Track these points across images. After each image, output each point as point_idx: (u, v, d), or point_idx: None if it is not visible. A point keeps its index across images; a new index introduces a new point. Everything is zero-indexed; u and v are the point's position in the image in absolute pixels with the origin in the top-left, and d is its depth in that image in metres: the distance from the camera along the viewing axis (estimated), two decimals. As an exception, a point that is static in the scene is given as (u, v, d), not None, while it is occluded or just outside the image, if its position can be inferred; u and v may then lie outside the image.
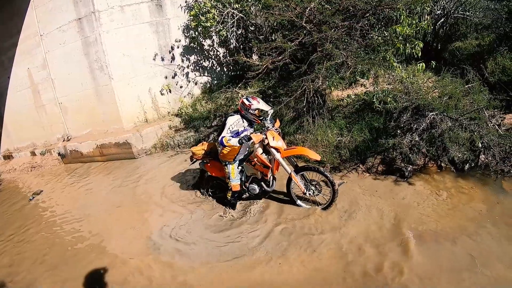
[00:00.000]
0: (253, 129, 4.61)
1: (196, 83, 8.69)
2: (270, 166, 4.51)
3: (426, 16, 6.53)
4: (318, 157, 4.28)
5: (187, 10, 7.83)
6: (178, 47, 8.21)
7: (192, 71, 8.56)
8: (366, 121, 5.63)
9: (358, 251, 3.75)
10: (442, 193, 4.52)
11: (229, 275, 3.74)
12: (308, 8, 5.50)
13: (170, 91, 8.18)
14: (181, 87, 8.45)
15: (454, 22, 7.63)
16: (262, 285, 3.54)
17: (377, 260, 3.57)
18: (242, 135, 4.32)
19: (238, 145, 4.19)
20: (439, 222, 3.97)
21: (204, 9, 7.24)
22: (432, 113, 5.05)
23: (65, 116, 8.64)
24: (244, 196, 4.96)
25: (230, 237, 4.37)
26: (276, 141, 4.32)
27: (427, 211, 4.20)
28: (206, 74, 8.77)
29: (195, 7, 7.41)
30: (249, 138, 4.16)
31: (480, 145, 4.86)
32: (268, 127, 4.47)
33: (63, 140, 8.91)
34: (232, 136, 4.27)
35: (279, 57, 5.73)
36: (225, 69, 9.17)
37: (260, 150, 4.48)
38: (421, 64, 5.79)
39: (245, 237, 4.31)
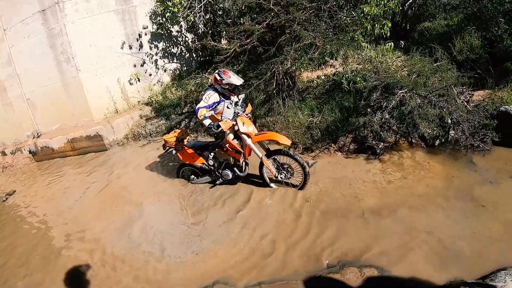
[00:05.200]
0: (229, 101, 4.55)
1: (165, 70, 8.53)
2: (242, 151, 4.47)
3: (395, -4, 6.55)
4: (288, 142, 4.27)
5: (154, -4, 7.64)
6: (146, 34, 8.02)
7: (161, 58, 8.39)
8: (337, 101, 5.62)
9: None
10: (401, 168, 4.63)
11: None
12: (276, -11, 5.43)
13: (139, 80, 7.98)
14: (150, 75, 8.28)
15: (423, 3, 7.68)
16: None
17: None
18: (212, 121, 4.29)
19: (207, 127, 4.17)
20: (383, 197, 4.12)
21: (171, -6, 7.06)
22: (401, 91, 5.08)
23: (33, 112, 8.35)
24: (218, 182, 4.90)
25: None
26: (246, 126, 4.29)
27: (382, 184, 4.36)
28: (175, 60, 8.60)
29: (162, -8, 7.22)
30: (218, 126, 4.10)
31: (449, 121, 4.92)
32: (238, 112, 4.44)
33: (33, 137, 8.61)
34: (207, 108, 4.31)
35: (247, 40, 5.64)
36: (194, 55, 9.01)
37: (231, 136, 4.46)
38: (389, 43, 5.81)
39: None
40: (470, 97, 5.41)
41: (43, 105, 8.12)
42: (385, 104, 5.11)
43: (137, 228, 4.48)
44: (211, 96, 4.37)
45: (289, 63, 5.44)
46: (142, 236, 4.31)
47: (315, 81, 6.25)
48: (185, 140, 4.99)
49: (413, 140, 5.06)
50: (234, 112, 4.49)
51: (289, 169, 4.52)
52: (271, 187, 4.65)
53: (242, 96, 4.64)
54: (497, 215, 3.50)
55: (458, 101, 5.19)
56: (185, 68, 8.78)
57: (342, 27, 5.69)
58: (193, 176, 5.25)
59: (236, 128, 4.31)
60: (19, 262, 4.34)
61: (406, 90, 5.06)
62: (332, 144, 5.30)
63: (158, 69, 8.31)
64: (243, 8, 6.42)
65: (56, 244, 4.57)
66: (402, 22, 7.77)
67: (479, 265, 2.96)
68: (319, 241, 3.58)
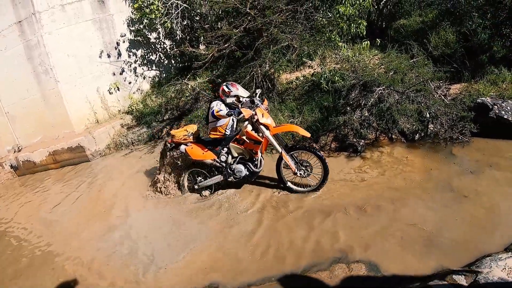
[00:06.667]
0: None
1: (144, 78, 8.45)
2: (262, 140, 4.30)
3: (369, -5, 6.64)
4: (308, 134, 4.22)
5: (131, 3, 7.58)
6: (124, 42, 7.95)
7: (139, 66, 8.31)
8: (316, 101, 5.66)
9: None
10: (379, 165, 4.69)
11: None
12: (252, -7, 5.46)
13: (118, 89, 7.91)
14: (129, 83, 8.21)
15: (398, 1, 7.82)
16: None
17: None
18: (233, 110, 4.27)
19: (227, 116, 4.20)
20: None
21: (148, 1, 7.04)
22: (379, 88, 5.14)
23: (13, 126, 8.20)
24: (230, 179, 4.60)
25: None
26: (265, 118, 4.20)
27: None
28: (154, 67, 8.54)
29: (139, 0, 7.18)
30: (239, 113, 4.08)
31: (428, 115, 4.99)
32: (257, 104, 4.31)
33: (14, 152, 8.44)
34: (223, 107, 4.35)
35: (225, 45, 5.66)
36: (173, 62, 8.94)
37: (249, 127, 4.30)
38: (366, 42, 5.87)
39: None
40: (447, 90, 5.51)
41: (22, 118, 7.98)
42: (364, 101, 5.16)
43: (128, 236, 4.40)
44: (221, 105, 4.40)
45: (268, 65, 5.48)
46: (134, 244, 4.23)
47: (294, 82, 6.29)
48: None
49: (393, 136, 5.11)
50: (254, 104, 4.36)
51: (308, 167, 4.34)
52: (289, 187, 4.47)
53: (259, 90, 4.66)
54: (479, 203, 3.54)
55: (435, 95, 5.28)
56: (164, 75, 8.73)
57: (319, 28, 5.75)
58: (200, 178, 4.84)
59: (255, 118, 4.17)
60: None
61: (384, 87, 5.13)
62: (314, 144, 5.32)
63: (137, 76, 8.24)
64: (220, 13, 6.45)
65: (46, 256, 4.45)
66: (378, 20, 7.88)
67: (464, 253, 2.98)
68: (309, 241, 3.57)
